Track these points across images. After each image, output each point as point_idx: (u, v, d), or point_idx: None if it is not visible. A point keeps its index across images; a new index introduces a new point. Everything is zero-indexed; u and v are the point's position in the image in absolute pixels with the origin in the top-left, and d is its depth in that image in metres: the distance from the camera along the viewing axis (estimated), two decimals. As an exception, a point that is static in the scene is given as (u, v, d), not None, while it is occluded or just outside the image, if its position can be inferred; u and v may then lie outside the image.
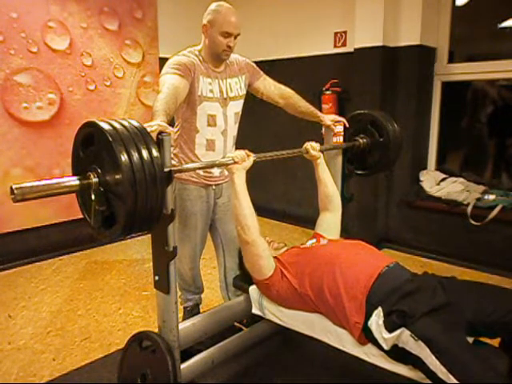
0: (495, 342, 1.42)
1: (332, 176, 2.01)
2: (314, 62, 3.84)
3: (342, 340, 1.47)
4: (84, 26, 3.34)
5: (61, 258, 3.35)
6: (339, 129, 2.08)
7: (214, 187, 2.01)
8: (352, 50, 3.40)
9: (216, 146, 1.94)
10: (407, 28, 3.22)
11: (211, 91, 1.87)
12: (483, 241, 3.02)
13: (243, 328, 2.04)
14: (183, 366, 1.51)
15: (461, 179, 3.30)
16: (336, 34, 3.66)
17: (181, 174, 1.90)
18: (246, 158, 1.58)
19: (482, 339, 1.40)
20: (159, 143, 1.32)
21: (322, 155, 1.92)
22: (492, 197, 3.04)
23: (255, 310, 1.72)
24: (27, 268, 3.15)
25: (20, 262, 3.18)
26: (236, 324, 2.13)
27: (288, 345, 2.08)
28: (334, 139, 2.07)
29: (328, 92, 3.60)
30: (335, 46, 3.69)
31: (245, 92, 2.03)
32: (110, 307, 2.55)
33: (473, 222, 2.97)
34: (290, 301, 1.58)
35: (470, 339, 1.32)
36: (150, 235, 1.46)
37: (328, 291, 1.46)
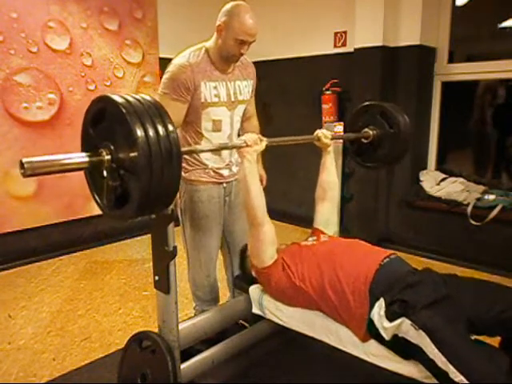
0: (495, 342, 1.42)
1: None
2: (314, 61, 3.84)
3: (342, 340, 1.47)
4: (84, 26, 3.34)
5: (61, 258, 3.34)
6: (339, 129, 2.08)
7: (224, 185, 1.97)
8: (352, 49, 3.41)
9: (222, 151, 1.91)
10: (407, 28, 3.22)
11: (216, 96, 1.81)
12: (483, 241, 3.02)
13: (246, 325, 2.04)
14: (183, 366, 1.52)
15: (461, 179, 3.30)
16: (336, 33, 3.66)
17: (189, 175, 1.89)
18: (259, 142, 1.57)
19: (482, 339, 1.40)
20: None
21: (332, 143, 1.91)
22: (492, 197, 3.04)
23: (255, 310, 1.72)
24: (27, 268, 3.15)
25: (20, 262, 3.18)
26: (240, 322, 2.13)
27: (288, 345, 2.07)
28: (334, 139, 2.07)
29: (328, 92, 3.60)
30: (335, 46, 3.69)
31: (249, 98, 1.99)
32: (110, 307, 2.55)
33: (473, 222, 2.97)
34: (289, 296, 1.58)
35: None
36: (149, 235, 1.46)
37: (330, 288, 1.46)
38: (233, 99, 1.87)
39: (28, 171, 0.97)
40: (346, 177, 3.68)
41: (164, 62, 3.85)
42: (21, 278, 2.99)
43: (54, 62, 3.22)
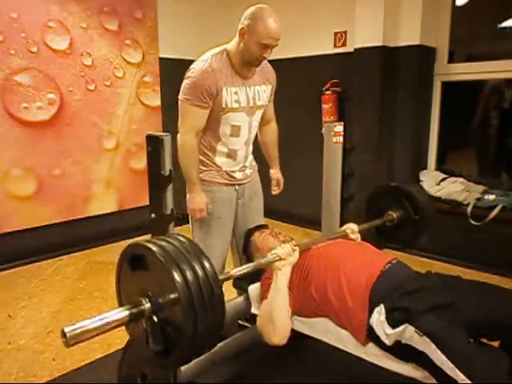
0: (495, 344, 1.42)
1: (331, 175, 2.01)
2: (314, 61, 3.84)
3: (342, 340, 1.47)
4: (84, 26, 3.34)
5: (61, 257, 3.34)
6: (339, 129, 2.07)
7: (237, 187, 1.95)
8: (352, 49, 3.41)
9: (238, 155, 1.89)
10: (407, 28, 3.22)
11: (237, 101, 1.78)
12: (483, 241, 3.02)
13: (248, 325, 2.04)
14: (183, 366, 1.51)
15: (461, 179, 3.30)
16: (336, 33, 3.66)
17: (203, 175, 1.86)
18: (291, 253, 1.53)
19: (482, 340, 1.40)
20: (159, 143, 1.32)
21: (359, 237, 1.85)
22: (492, 197, 3.04)
23: (255, 310, 1.72)
24: (27, 268, 3.15)
25: (20, 262, 3.18)
26: (240, 322, 2.13)
27: (288, 345, 2.07)
28: (334, 139, 2.07)
29: (328, 92, 3.60)
30: (335, 46, 3.69)
31: (267, 103, 1.96)
32: (110, 307, 2.53)
33: (473, 222, 2.97)
34: (298, 309, 1.58)
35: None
36: (149, 235, 1.45)
37: (332, 293, 1.46)
38: (251, 105, 1.85)
39: (71, 341, 0.95)
40: (345, 177, 3.68)
41: (164, 62, 3.86)
42: (21, 278, 2.99)
43: (53, 62, 3.22)
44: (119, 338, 2.21)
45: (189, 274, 0.97)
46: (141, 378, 1.50)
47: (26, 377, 1.93)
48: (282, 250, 1.52)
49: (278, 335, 1.49)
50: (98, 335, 1.01)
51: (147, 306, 1.02)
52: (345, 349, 1.46)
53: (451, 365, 1.15)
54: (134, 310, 1.03)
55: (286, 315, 1.50)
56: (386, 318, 1.32)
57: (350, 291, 1.43)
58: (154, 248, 1.00)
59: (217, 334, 1.05)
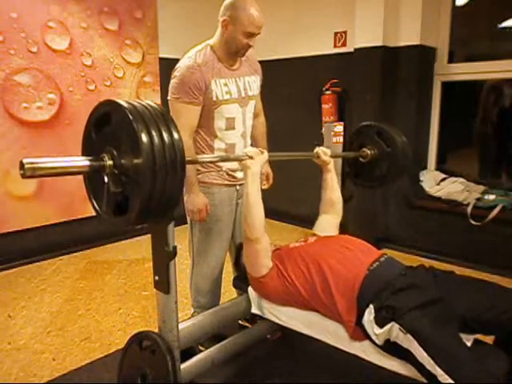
0: (489, 340, 1.42)
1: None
2: (314, 61, 3.84)
3: (340, 339, 1.47)
4: (84, 25, 3.34)
5: (61, 258, 3.35)
6: (339, 129, 2.08)
7: (237, 187, 1.94)
8: (352, 49, 3.41)
9: (236, 149, 1.87)
10: (407, 28, 3.22)
11: (228, 92, 1.77)
12: (483, 241, 3.02)
13: (248, 325, 2.05)
14: (183, 366, 1.51)
15: (461, 179, 3.30)
16: (336, 34, 3.66)
17: (202, 176, 1.86)
18: (260, 153, 1.59)
19: (482, 339, 1.40)
20: None
21: (332, 161, 1.90)
22: (492, 197, 3.04)
23: (254, 310, 1.72)
24: (27, 268, 3.15)
25: (20, 262, 3.18)
26: (240, 322, 2.13)
27: (288, 345, 2.08)
28: (334, 139, 2.07)
29: (328, 92, 3.59)
30: (335, 46, 3.69)
31: (258, 93, 1.96)
32: (110, 307, 2.55)
33: (473, 222, 2.97)
34: (285, 299, 1.59)
35: (470, 338, 1.32)
36: (149, 235, 1.45)
37: (321, 290, 1.48)
38: (243, 95, 1.84)
39: (28, 172, 0.95)
40: (345, 177, 3.68)
41: (164, 62, 3.86)
42: (21, 278, 2.99)
43: (53, 62, 3.22)
44: (119, 338, 2.21)
45: (156, 139, 0.99)
46: (141, 378, 1.50)
47: (26, 377, 1.93)
48: (250, 149, 1.61)
49: (255, 232, 1.56)
50: (55, 175, 1.04)
51: (109, 162, 1.05)
52: (343, 348, 1.47)
53: (432, 361, 1.16)
54: (95, 163, 1.05)
55: (259, 214, 1.57)
56: (374, 318, 1.33)
57: (338, 289, 1.45)
58: (126, 106, 1.02)
59: (175, 199, 1.09)
